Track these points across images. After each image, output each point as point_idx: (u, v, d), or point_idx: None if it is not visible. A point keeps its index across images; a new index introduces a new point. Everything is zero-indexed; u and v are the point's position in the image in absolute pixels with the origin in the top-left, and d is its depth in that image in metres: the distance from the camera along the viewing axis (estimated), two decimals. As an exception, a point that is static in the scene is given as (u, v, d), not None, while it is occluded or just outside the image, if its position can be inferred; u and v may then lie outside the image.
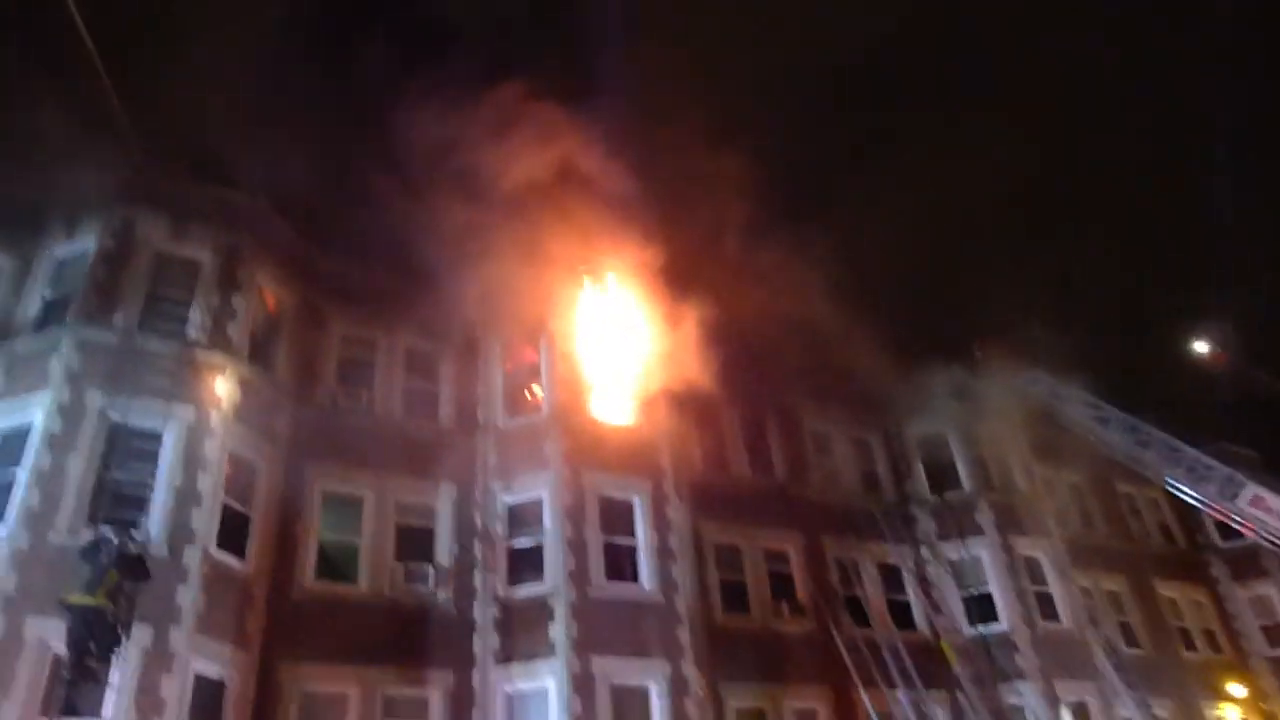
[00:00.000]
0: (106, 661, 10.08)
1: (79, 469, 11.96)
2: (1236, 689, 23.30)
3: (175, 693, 11.08)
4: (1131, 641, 22.41)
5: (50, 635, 10.63)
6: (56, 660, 10.55)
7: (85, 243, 14.29)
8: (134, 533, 10.82)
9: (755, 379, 19.89)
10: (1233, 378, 24.64)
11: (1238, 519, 20.29)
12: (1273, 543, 19.86)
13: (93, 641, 9.72)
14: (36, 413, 12.35)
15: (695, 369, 15.84)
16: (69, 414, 12.31)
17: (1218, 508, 20.62)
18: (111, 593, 9.93)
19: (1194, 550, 26.17)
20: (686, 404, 16.75)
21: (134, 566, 10.30)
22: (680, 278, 16.56)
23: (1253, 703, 23.52)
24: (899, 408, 21.53)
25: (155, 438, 12.61)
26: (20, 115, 13.70)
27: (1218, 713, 22.85)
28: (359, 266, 17.00)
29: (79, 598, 9.79)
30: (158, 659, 11.13)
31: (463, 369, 16.94)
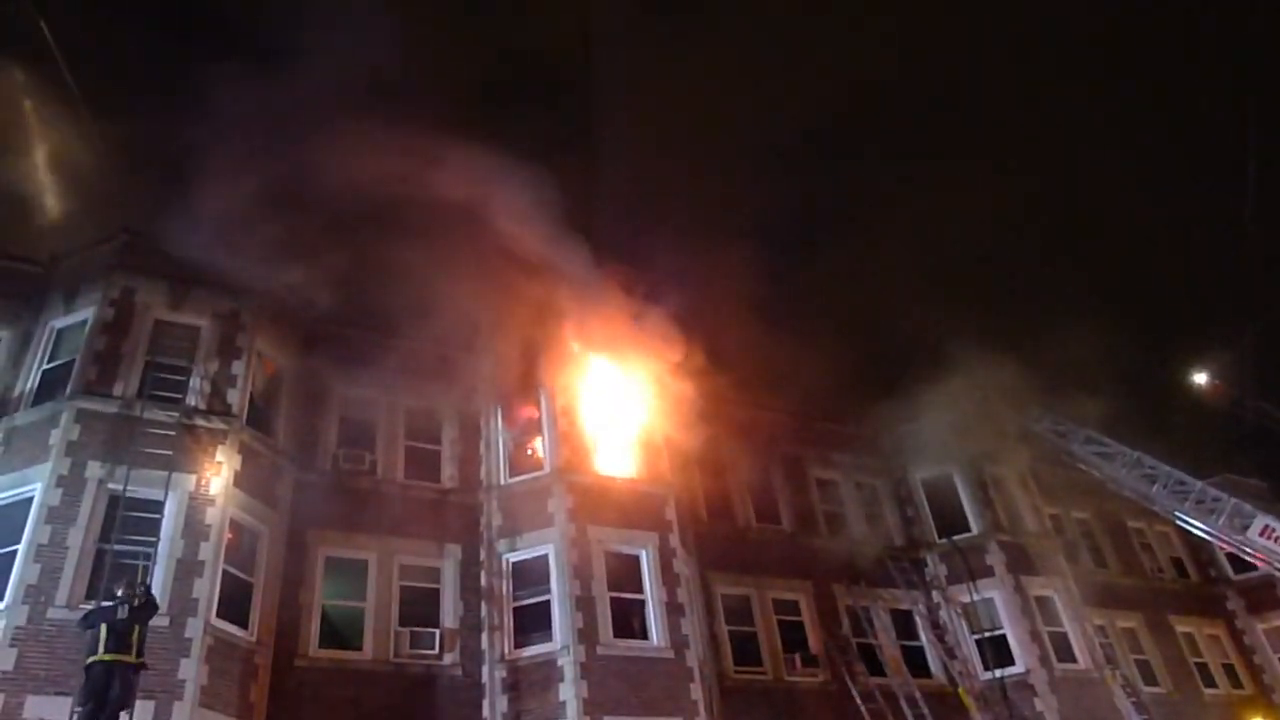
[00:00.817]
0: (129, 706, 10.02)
1: (79, 541, 11.82)
2: (1260, 726, 22.85)
3: (178, 770, 10.80)
4: (1150, 680, 22.01)
5: (50, 713, 10.41)
6: (57, 741, 10.31)
7: (84, 313, 14.32)
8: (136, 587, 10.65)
9: (759, 429, 19.83)
10: (1236, 408, 24.60)
11: (1249, 551, 20.12)
12: (1287, 574, 19.65)
13: (111, 697, 9.68)
14: (36, 485, 12.26)
15: (698, 421, 15.80)
16: (68, 486, 12.22)
17: (1228, 540, 20.46)
18: (139, 648, 10.04)
19: (1208, 584, 25.87)
20: (691, 456, 16.68)
21: (149, 609, 10.41)
22: (681, 331, 16.60)
23: (1277, 739, 23.05)
24: (903, 451, 21.44)
25: (156, 507, 12.48)
26: (16, 185, 13.85)
27: (1243, 750, 22.39)
28: (358, 330, 17.02)
29: (118, 656, 9.77)
30: (160, 735, 10.88)
31: (464, 428, 16.87)
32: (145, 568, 11.76)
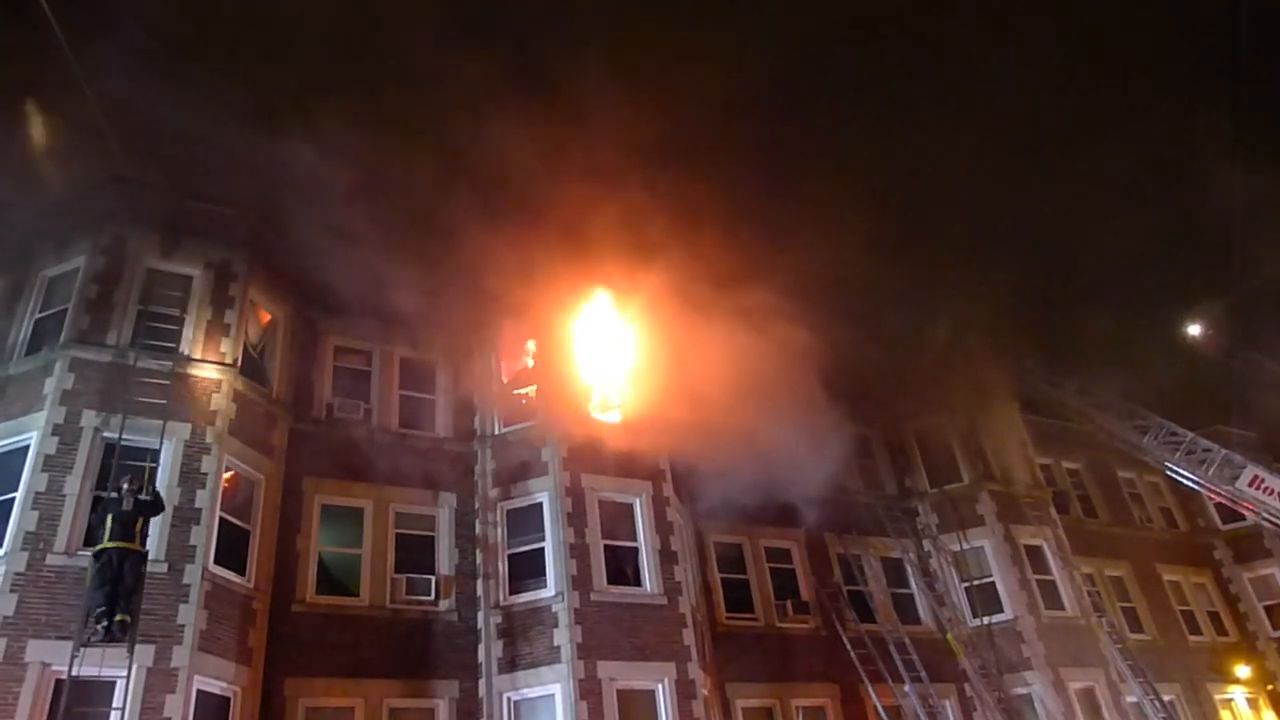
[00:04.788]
0: (132, 614, 10.59)
1: (75, 489, 11.91)
2: (1243, 671, 23.33)
3: (178, 711, 10.99)
4: (1136, 627, 22.44)
5: (51, 657, 10.60)
6: (59, 683, 10.51)
7: (75, 261, 14.24)
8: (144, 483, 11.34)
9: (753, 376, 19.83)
10: (1228, 360, 24.70)
11: (1238, 500, 20.38)
12: (1273, 523, 19.94)
13: (125, 586, 10.43)
14: (32, 434, 12.31)
15: (692, 369, 15.80)
16: (64, 434, 12.26)
17: (1218, 490, 20.71)
18: (142, 538, 10.82)
19: (1196, 534, 26.23)
20: (684, 405, 16.71)
21: (155, 507, 11.18)
22: (675, 279, 16.51)
23: (1259, 684, 23.55)
24: (897, 401, 21.54)
25: (152, 455, 12.54)
26: (5, 133, 13.66)
27: (1225, 695, 22.88)
28: (352, 279, 16.93)
29: (123, 544, 10.52)
30: (160, 678, 11.06)
31: (458, 377, 16.91)
32: (151, 469, 12.08)
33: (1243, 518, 22.74)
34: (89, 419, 12.47)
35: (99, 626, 10.39)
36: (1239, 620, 25.02)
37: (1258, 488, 19.54)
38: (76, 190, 14.70)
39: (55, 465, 12.00)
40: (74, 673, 10.22)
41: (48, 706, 10.47)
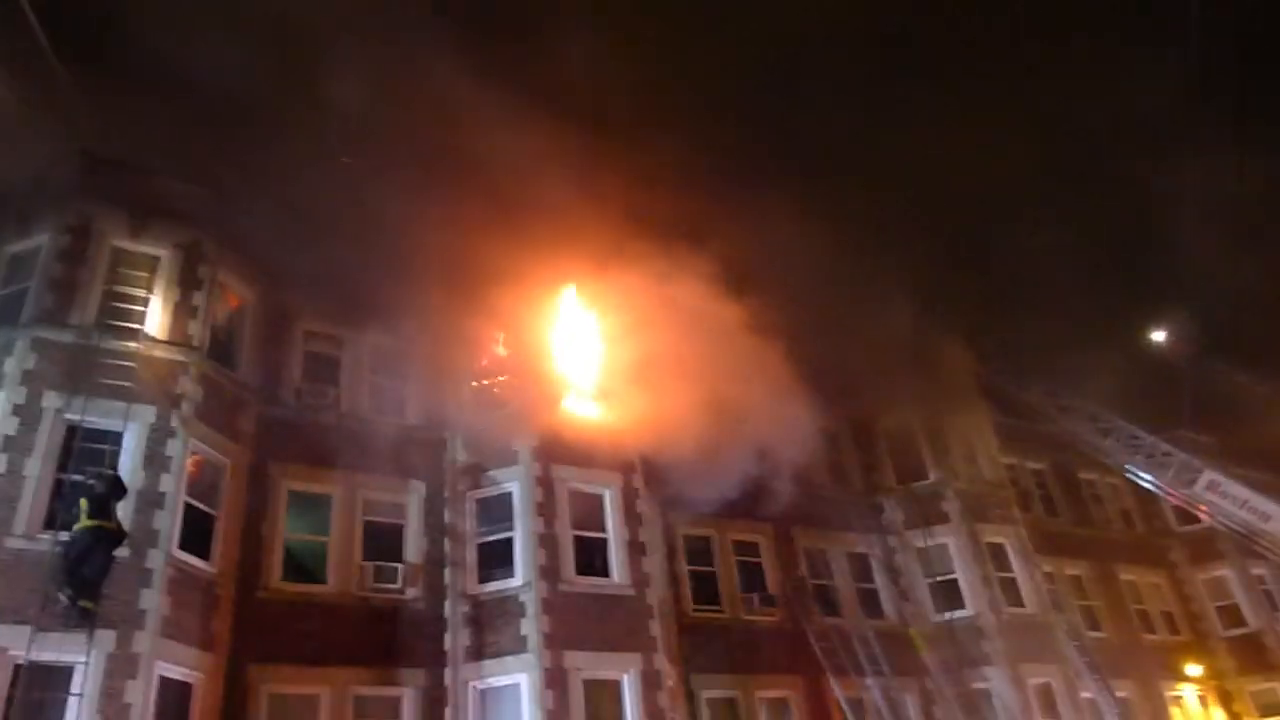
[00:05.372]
0: (99, 592, 10.77)
1: (36, 470, 11.68)
2: (1194, 669, 23.87)
3: (140, 697, 10.86)
4: (1094, 625, 22.87)
5: (9, 641, 10.41)
6: (17, 668, 10.33)
7: (39, 238, 13.90)
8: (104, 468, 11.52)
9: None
10: (1191, 366, 25.19)
11: (1194, 503, 20.80)
12: (1228, 526, 20.38)
13: (92, 567, 10.66)
14: (-9, 415, 12.05)
15: (665, 363, 15.84)
16: (25, 415, 12.00)
17: (1176, 493, 21.12)
18: (117, 520, 11.03)
19: (1153, 535, 26.75)
20: (656, 397, 16.74)
21: (119, 487, 11.31)
22: (647, 272, 16.52)
23: (1209, 682, 24.12)
24: (866, 399, 21.72)
25: (115, 438, 12.35)
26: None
27: (1176, 692, 23.40)
28: (323, 264, 16.75)
29: (100, 522, 10.72)
30: (122, 663, 10.91)
31: (430, 365, 16.78)
32: (113, 452, 12.10)
33: (1199, 520, 23.26)
34: (51, 400, 12.22)
35: (61, 594, 10.48)
36: (1192, 620, 25.59)
37: (1214, 492, 19.95)
38: (42, 166, 14.39)
39: (15, 446, 11.75)
40: (32, 658, 10.07)
41: (6, 691, 10.28)
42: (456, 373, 16.64)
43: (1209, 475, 20.26)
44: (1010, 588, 20.14)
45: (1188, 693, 23.66)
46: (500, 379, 16.57)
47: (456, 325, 16.70)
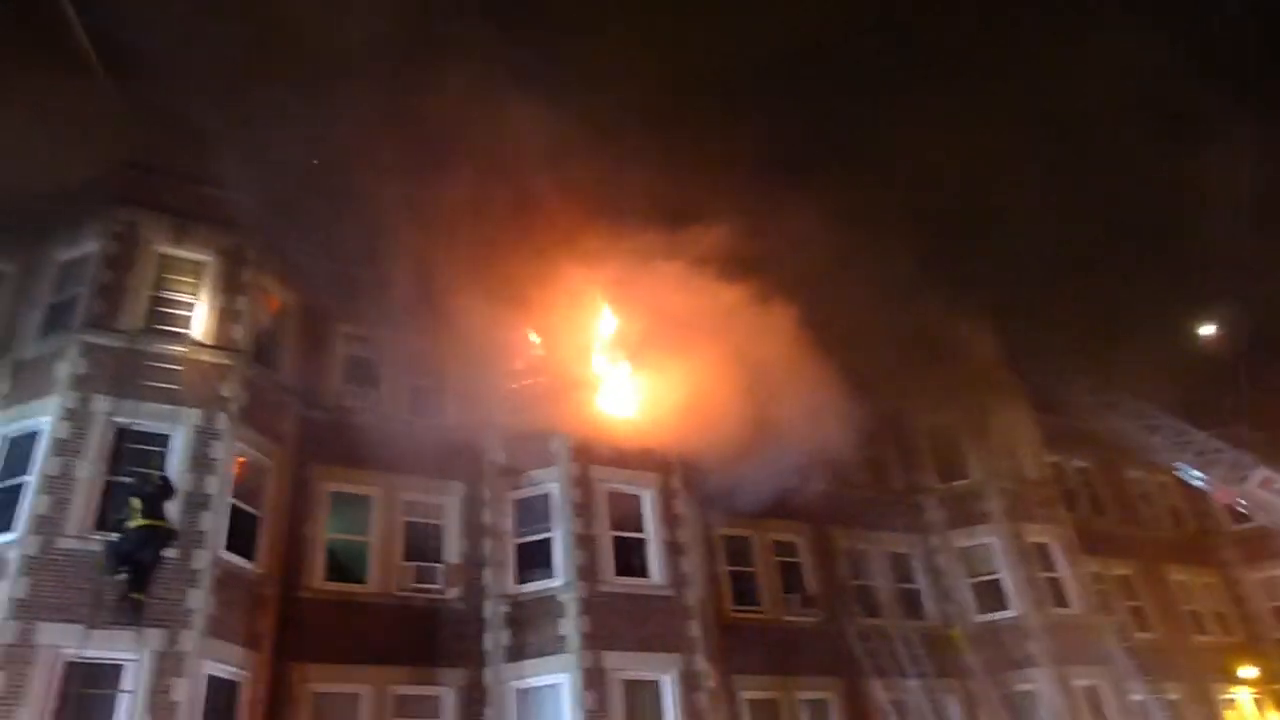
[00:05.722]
0: (148, 586, 10.93)
1: (87, 474, 11.96)
2: (1248, 671, 23.27)
3: (187, 695, 11.08)
4: (1143, 626, 22.39)
5: (62, 640, 10.66)
6: (69, 666, 10.59)
7: (88, 246, 14.23)
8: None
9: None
10: (1241, 360, 24.58)
11: (1246, 502, 20.29)
12: (1281, 525, 19.84)
13: (143, 563, 10.77)
14: (44, 419, 12.35)
15: (701, 362, 15.78)
16: (76, 419, 12.31)
17: (1226, 491, 20.62)
18: (165, 516, 11.11)
19: (1204, 534, 26.12)
20: (694, 397, 16.69)
21: (168, 487, 11.44)
22: (684, 269, 16.49)
23: (1264, 684, 23.49)
24: (908, 397, 21.47)
25: (163, 441, 12.61)
26: (20, 117, 13.65)
27: (1230, 695, 22.84)
28: (363, 267, 16.95)
29: (152, 520, 10.80)
30: (170, 662, 11.14)
31: (468, 367, 16.88)
32: (160, 454, 12.38)
33: (1251, 519, 22.67)
34: (101, 404, 12.51)
35: (117, 579, 10.76)
36: (1246, 621, 24.95)
37: (1268, 489, 19.44)
38: (89, 175, 14.73)
39: (67, 449, 12.05)
40: (84, 655, 10.30)
41: (59, 689, 10.55)
42: (494, 374, 16.72)
43: (1262, 472, 19.76)
44: (1055, 588, 19.79)
45: (1242, 695, 23.07)
46: (538, 379, 16.63)
47: (494, 326, 16.80)
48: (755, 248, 16.90)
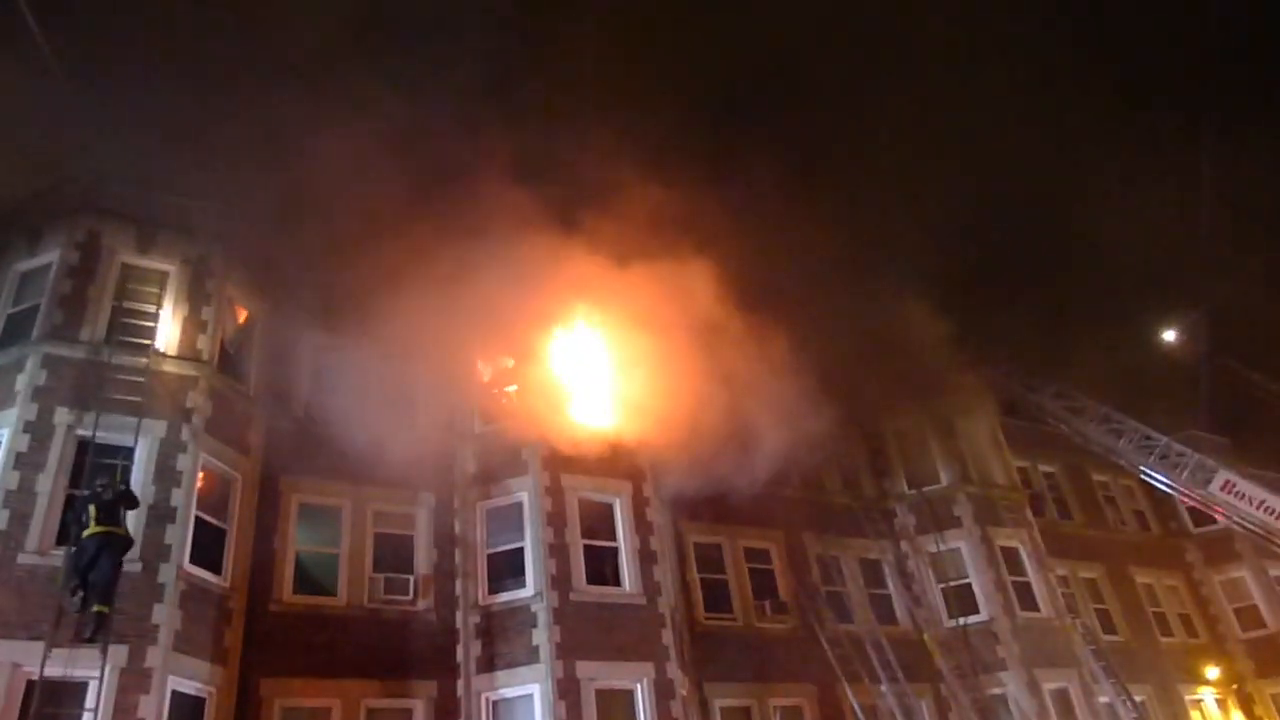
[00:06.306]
0: (113, 597, 10.71)
1: (48, 487, 11.72)
2: (1212, 672, 23.63)
3: (153, 712, 10.86)
4: (1109, 629, 22.69)
5: (23, 658, 10.43)
6: (30, 684, 10.35)
7: (48, 256, 13.99)
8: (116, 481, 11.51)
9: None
10: (1203, 366, 25.03)
11: (1210, 504, 20.63)
12: (1245, 527, 20.22)
13: (101, 574, 10.57)
14: (2, 430, 12.09)
15: (673, 370, 15.81)
16: (36, 431, 12.06)
17: (1190, 494, 20.96)
18: (122, 524, 10.98)
19: (1169, 537, 26.53)
20: (665, 405, 16.70)
21: (130, 498, 11.31)
22: (654, 281, 16.51)
23: (1228, 685, 23.86)
24: (876, 403, 21.64)
25: (126, 453, 12.39)
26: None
27: (1195, 696, 23.17)
28: (332, 276, 16.79)
29: (109, 528, 10.67)
30: (135, 678, 10.91)
31: (439, 376, 16.77)
32: (124, 467, 12.10)
33: (1214, 521, 23.07)
34: (62, 416, 12.28)
35: (74, 599, 10.50)
36: (1209, 622, 25.34)
37: (1229, 492, 19.79)
38: (50, 183, 14.49)
39: (27, 463, 11.80)
40: (45, 673, 10.08)
41: (19, 708, 10.30)
42: (465, 383, 16.64)
43: (1224, 475, 20.10)
44: (1024, 592, 19.99)
45: (1207, 696, 23.41)
46: (508, 389, 16.57)
47: (464, 336, 16.72)
48: (727, 256, 16.99)
